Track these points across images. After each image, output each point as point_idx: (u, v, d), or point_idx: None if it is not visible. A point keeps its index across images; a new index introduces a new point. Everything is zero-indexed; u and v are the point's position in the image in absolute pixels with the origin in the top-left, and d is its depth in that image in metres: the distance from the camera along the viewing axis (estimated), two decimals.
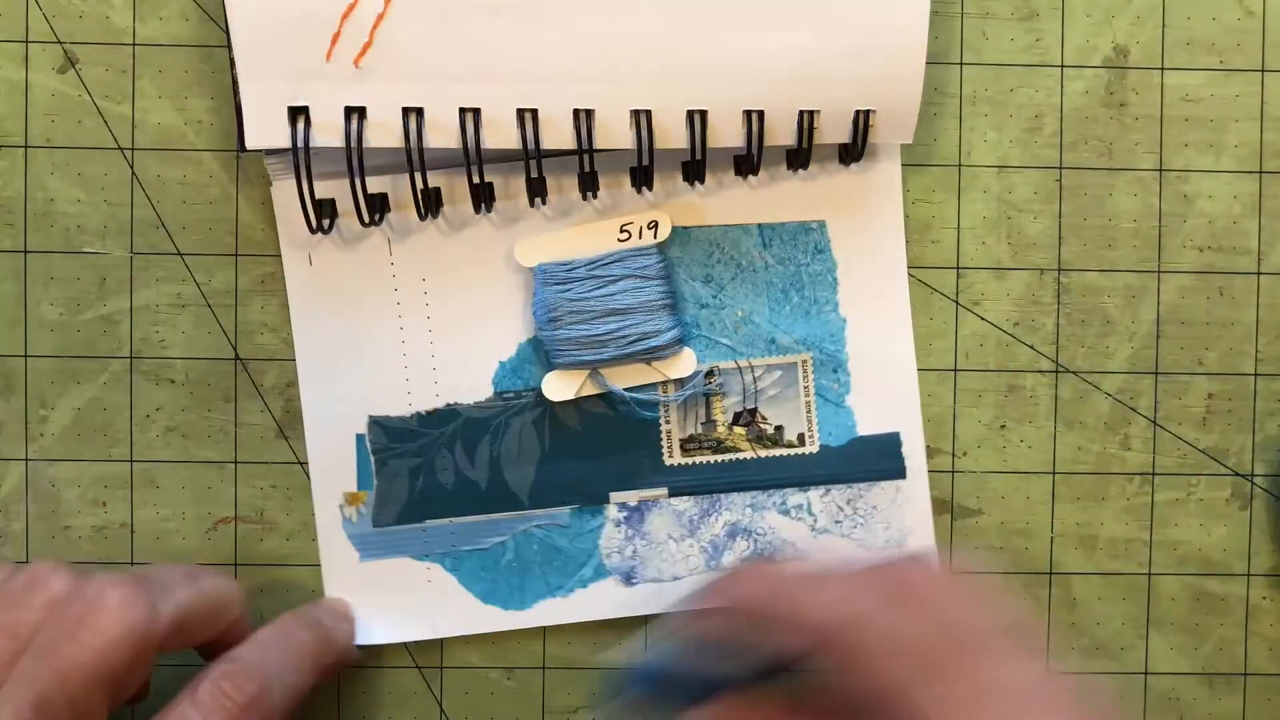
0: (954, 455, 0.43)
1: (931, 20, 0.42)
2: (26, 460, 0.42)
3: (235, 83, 0.38)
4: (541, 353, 0.42)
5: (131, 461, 0.42)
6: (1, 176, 0.41)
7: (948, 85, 0.42)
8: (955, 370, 0.43)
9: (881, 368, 0.42)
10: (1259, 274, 0.43)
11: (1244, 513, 0.43)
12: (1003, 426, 0.43)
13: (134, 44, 0.41)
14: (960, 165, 0.42)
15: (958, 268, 0.43)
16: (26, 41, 0.41)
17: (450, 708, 0.43)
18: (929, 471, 0.43)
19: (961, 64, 0.42)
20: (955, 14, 0.42)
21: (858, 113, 0.39)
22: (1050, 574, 0.43)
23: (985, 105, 0.42)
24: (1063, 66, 0.42)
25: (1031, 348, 0.43)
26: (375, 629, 0.42)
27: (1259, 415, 0.43)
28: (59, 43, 0.41)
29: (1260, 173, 0.43)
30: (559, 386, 0.41)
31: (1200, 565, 0.43)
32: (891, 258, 0.42)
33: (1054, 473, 0.43)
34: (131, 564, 0.42)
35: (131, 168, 0.42)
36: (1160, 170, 0.42)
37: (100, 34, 0.41)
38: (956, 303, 0.43)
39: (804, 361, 0.42)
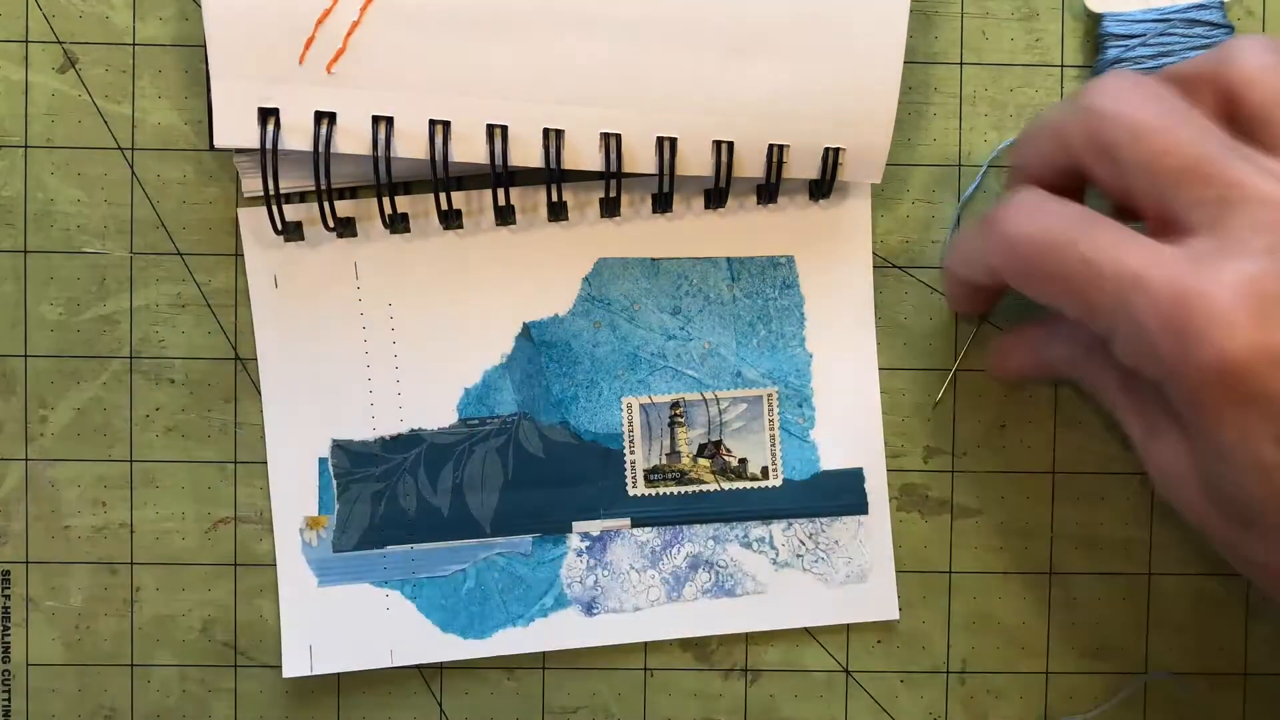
0: (954, 455, 0.43)
1: (931, 20, 0.42)
2: (26, 460, 0.42)
3: (208, 81, 0.38)
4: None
5: (131, 461, 0.42)
6: (1, 176, 0.41)
7: (948, 85, 0.42)
8: (955, 370, 0.43)
9: (846, 403, 0.42)
10: None
11: None
12: (1003, 426, 0.43)
13: (134, 44, 0.41)
14: (960, 165, 0.42)
15: None
16: (26, 41, 0.41)
17: (450, 708, 0.43)
18: (930, 471, 0.43)
19: (961, 64, 0.42)
20: (955, 14, 0.42)
21: (827, 150, 0.39)
22: (1050, 574, 0.43)
23: (985, 105, 0.42)
24: (1063, 66, 0.42)
25: None
26: (330, 657, 0.42)
27: None
28: (59, 43, 0.41)
29: None
30: None
31: (1200, 565, 0.43)
32: (859, 295, 0.42)
33: (1054, 472, 0.43)
34: (131, 564, 0.42)
35: (131, 168, 0.42)
36: None
37: (100, 34, 0.41)
38: None
39: (769, 395, 0.42)
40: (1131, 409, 0.35)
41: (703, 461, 0.43)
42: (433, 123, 0.38)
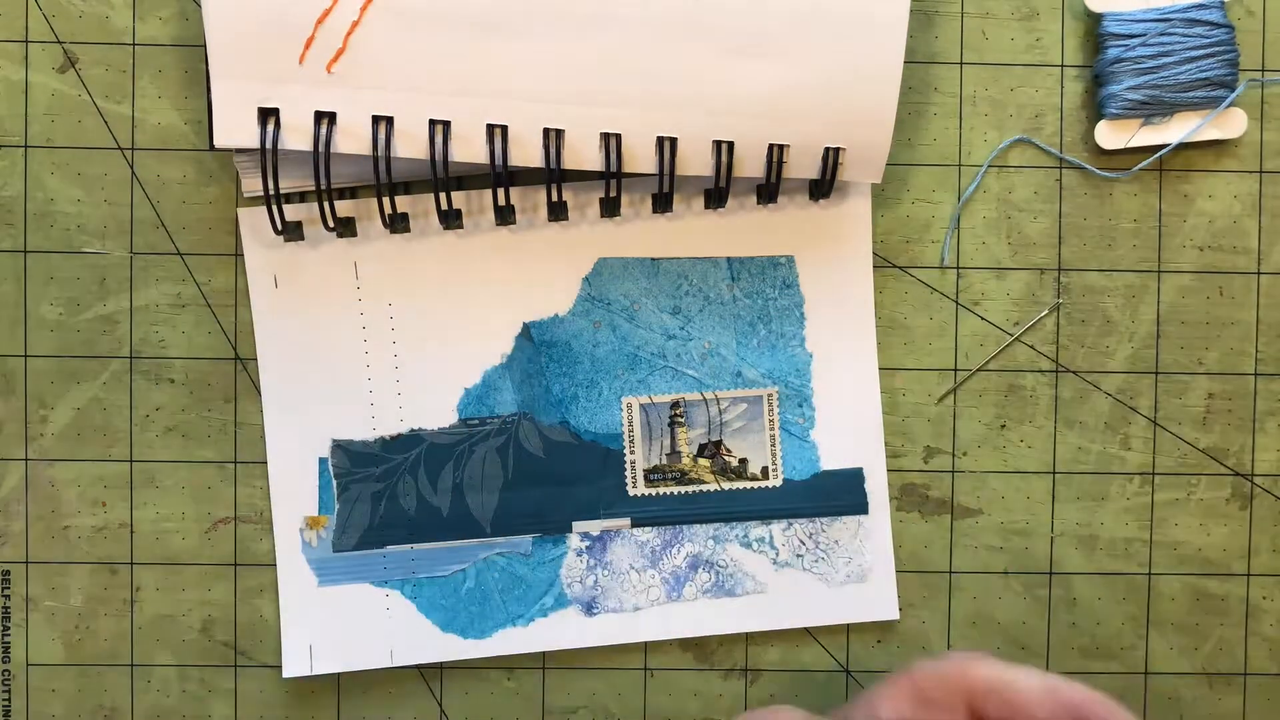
0: (954, 455, 0.43)
1: (931, 20, 0.42)
2: (26, 460, 0.42)
3: (208, 81, 0.38)
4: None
5: (131, 461, 0.42)
6: (1, 176, 0.41)
7: (948, 85, 0.42)
8: (955, 370, 0.43)
9: (846, 403, 0.42)
10: (1259, 274, 0.43)
11: (1244, 513, 0.43)
12: (1003, 426, 0.43)
13: (134, 44, 0.41)
14: (960, 165, 0.42)
15: (958, 268, 0.43)
16: (26, 41, 0.41)
17: (450, 708, 0.43)
18: (929, 471, 0.43)
19: (961, 64, 0.42)
20: (955, 14, 0.42)
21: (827, 150, 0.39)
22: (1050, 574, 0.43)
23: (985, 105, 0.42)
24: (1063, 66, 0.42)
25: (1032, 348, 0.43)
26: (330, 657, 0.42)
27: (1259, 415, 0.43)
28: (59, 43, 0.41)
29: (1260, 173, 0.43)
30: (1111, 136, 0.41)
31: (1200, 565, 0.43)
32: (859, 295, 0.42)
33: (1054, 473, 0.43)
34: (131, 564, 0.42)
35: (131, 168, 0.42)
36: (1160, 170, 0.42)
37: (100, 34, 0.41)
38: (957, 303, 0.43)
39: (770, 395, 0.42)
40: None
41: (703, 461, 0.43)
42: (433, 123, 0.38)
